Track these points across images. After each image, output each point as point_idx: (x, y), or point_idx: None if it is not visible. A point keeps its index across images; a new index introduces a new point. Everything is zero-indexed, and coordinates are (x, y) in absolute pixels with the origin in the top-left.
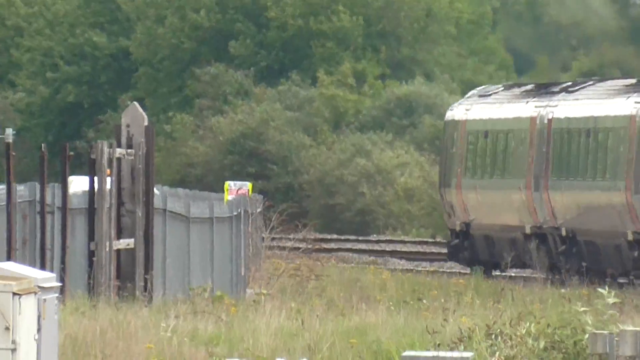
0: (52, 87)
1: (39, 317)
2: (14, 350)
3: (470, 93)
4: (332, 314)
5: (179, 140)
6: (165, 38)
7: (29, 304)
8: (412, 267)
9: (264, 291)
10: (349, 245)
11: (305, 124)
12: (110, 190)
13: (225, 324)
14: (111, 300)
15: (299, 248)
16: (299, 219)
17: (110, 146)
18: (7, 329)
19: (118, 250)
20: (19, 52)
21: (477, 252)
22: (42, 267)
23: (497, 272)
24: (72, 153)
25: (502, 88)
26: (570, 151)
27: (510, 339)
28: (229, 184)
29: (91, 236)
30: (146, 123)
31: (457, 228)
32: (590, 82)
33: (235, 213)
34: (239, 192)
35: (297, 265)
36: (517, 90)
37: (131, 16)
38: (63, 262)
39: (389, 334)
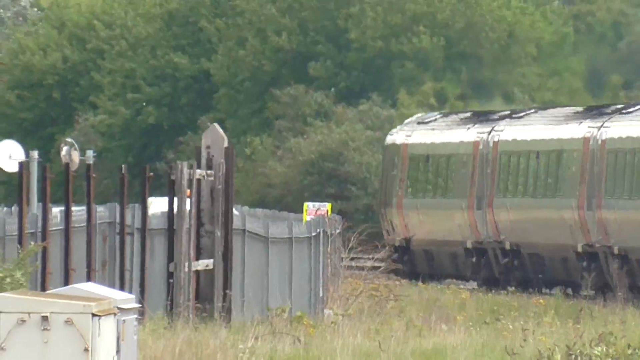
0: (132, 109)
1: (118, 338)
2: None
3: (408, 120)
4: (411, 334)
5: (258, 161)
6: (246, 60)
7: (108, 325)
8: (490, 287)
9: (342, 312)
10: None
11: None
12: (190, 211)
13: (304, 345)
14: (190, 321)
15: (377, 268)
16: (378, 239)
17: (190, 167)
18: (87, 350)
19: (197, 271)
20: (100, 75)
21: (416, 265)
22: (122, 288)
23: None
24: (152, 174)
25: (440, 115)
26: (518, 171)
27: (590, 359)
28: (308, 205)
29: (170, 257)
30: (226, 144)
31: (397, 244)
32: (532, 110)
33: (314, 234)
34: (318, 212)
35: (375, 285)
36: (455, 118)
37: (212, 38)
38: (142, 283)
39: (468, 355)
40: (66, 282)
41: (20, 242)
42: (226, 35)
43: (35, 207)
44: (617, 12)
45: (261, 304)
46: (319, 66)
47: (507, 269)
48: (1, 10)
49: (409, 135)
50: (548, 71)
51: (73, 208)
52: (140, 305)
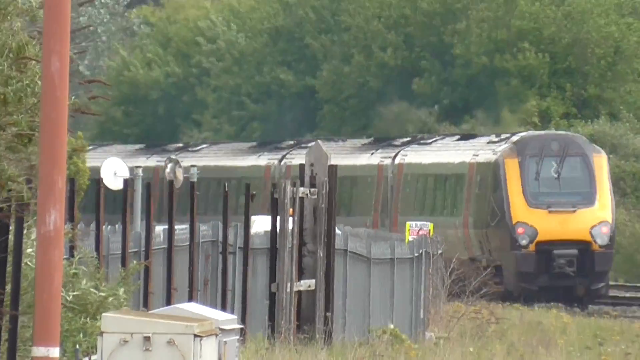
0: (237, 125)
1: (219, 359)
2: None
3: None
4: (512, 358)
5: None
6: (351, 76)
7: (210, 346)
8: (593, 311)
9: (444, 334)
10: None
11: None
12: (293, 230)
13: None
14: (291, 343)
15: (480, 290)
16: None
17: (294, 185)
18: None
19: (299, 292)
20: (204, 91)
21: None
22: (223, 308)
23: None
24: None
25: None
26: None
27: None
28: (411, 224)
29: (272, 277)
30: (330, 162)
31: None
32: None
33: (416, 254)
34: (420, 232)
35: (477, 308)
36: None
37: (318, 54)
38: (244, 303)
39: None
40: (168, 302)
41: (123, 261)
42: (331, 52)
43: (138, 225)
44: None
45: (362, 325)
46: (423, 82)
47: None
48: (109, 26)
49: None
50: None
51: (176, 227)
52: (242, 326)
